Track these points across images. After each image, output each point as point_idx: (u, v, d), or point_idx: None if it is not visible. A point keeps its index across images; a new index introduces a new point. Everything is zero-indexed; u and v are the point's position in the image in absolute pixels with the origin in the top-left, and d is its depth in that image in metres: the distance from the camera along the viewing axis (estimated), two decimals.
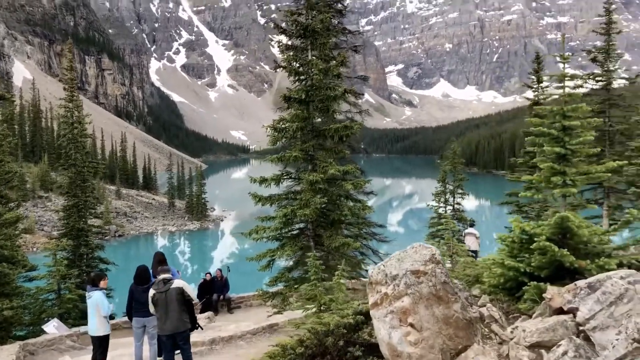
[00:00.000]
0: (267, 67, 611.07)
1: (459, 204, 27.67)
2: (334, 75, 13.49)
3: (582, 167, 6.78)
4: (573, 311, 4.19)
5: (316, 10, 13.74)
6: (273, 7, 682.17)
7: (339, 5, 15.59)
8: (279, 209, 12.85)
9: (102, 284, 9.80)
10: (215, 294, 17.82)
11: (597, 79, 19.09)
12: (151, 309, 8.57)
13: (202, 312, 16.52)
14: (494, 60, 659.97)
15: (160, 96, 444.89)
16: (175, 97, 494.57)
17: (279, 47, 13.79)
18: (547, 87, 26.17)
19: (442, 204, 27.51)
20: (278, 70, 15.65)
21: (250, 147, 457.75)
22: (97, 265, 22.89)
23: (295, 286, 13.93)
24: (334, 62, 13.46)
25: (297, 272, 14.17)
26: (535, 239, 5.43)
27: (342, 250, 12.98)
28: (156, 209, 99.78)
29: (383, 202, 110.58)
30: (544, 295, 4.67)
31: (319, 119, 13.87)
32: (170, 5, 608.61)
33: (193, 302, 8.71)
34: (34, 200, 76.71)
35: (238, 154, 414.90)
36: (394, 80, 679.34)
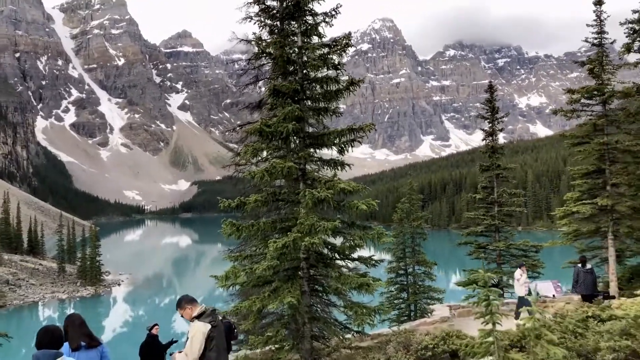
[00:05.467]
0: (163, 126, 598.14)
1: (418, 245, 25.10)
2: (333, 66, 10.45)
3: None
4: None
5: None
6: (169, 66, 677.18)
7: None
8: (269, 241, 9.25)
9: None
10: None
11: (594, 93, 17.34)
12: None
13: None
14: (385, 120, 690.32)
15: (46, 156, 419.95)
16: (64, 157, 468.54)
17: (259, 26, 10.55)
18: (502, 117, 24.74)
19: (399, 247, 24.79)
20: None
21: (146, 208, 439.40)
22: None
23: (287, 347, 10.19)
24: (330, 49, 10.41)
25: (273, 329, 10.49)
26: None
27: (359, 291, 9.60)
28: (44, 275, 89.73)
29: None
30: None
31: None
32: (60, 62, 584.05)
33: None
34: None
35: (132, 214, 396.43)
36: None
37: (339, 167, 10.68)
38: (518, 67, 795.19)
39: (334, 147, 10.57)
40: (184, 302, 6.41)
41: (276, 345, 10.05)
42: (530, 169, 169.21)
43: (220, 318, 12.29)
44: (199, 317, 6.19)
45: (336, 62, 10.45)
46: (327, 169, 10.77)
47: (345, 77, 10.56)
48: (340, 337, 10.41)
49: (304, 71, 10.45)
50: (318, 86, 10.51)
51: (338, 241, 11.06)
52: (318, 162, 10.64)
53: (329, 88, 10.43)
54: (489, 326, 4.70)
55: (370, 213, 10.66)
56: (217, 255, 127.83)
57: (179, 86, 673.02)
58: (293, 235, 9.00)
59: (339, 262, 10.89)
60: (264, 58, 11.04)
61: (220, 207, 10.06)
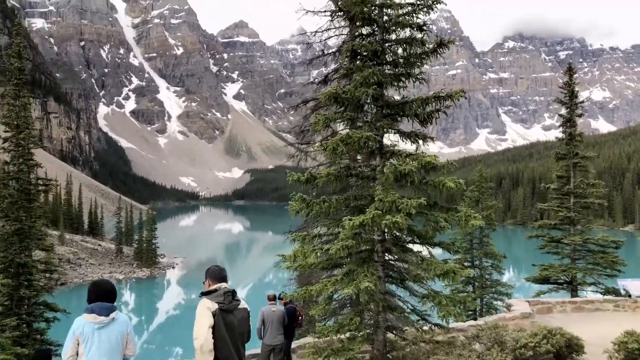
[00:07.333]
0: (218, 114, 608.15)
1: (487, 236, 23.63)
2: (417, 26, 9.31)
3: None
4: None
5: None
6: (226, 56, 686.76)
7: None
8: (344, 219, 8.26)
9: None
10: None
11: None
12: None
13: None
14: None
15: (107, 141, 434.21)
16: (124, 143, 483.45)
17: None
18: (581, 102, 22.92)
19: (467, 237, 23.41)
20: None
21: (200, 194, 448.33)
22: (42, 313, 17.31)
23: (359, 338, 9.20)
24: (415, 6, 9.24)
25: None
26: None
27: (445, 280, 8.50)
28: (102, 256, 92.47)
29: None
30: None
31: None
32: (121, 51, 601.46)
33: None
34: None
35: (187, 200, 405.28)
36: None
37: (421, 141, 9.55)
38: (580, 59, 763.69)
39: (415, 117, 9.46)
40: (208, 273, 5.52)
41: (347, 335, 9.08)
42: (592, 165, 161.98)
43: (282, 302, 11.52)
44: (207, 294, 5.32)
45: (421, 23, 9.31)
46: (406, 142, 9.68)
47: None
48: (419, 329, 9.35)
49: (384, 33, 9.37)
50: (400, 48, 9.42)
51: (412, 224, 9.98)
52: (397, 134, 9.56)
53: (412, 50, 9.32)
54: None
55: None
56: (269, 242, 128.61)
57: (234, 76, 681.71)
58: (372, 213, 7.97)
59: (417, 246, 9.83)
60: (337, 21, 10.00)
61: (288, 180, 9.14)
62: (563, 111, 23.07)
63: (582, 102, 23.21)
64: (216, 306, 5.16)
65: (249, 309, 5.53)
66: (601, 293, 21.78)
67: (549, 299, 17.73)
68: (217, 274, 5.46)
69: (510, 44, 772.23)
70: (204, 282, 5.52)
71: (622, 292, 17.69)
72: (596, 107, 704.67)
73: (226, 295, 5.28)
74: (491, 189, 25.52)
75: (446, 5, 9.23)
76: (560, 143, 23.37)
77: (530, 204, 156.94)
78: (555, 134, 24.71)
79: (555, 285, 22.92)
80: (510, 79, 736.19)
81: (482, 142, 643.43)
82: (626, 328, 10.14)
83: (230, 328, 5.19)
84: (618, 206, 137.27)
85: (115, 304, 5.05)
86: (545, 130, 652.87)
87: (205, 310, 5.14)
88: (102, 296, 4.93)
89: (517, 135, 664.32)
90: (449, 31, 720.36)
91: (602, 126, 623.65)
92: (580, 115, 23.04)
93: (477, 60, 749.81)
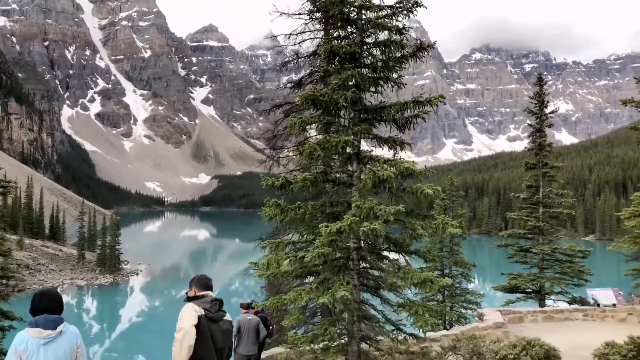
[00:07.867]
0: (186, 119, 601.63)
1: (457, 245, 23.65)
2: (396, 30, 9.11)
3: None
4: None
5: None
6: (194, 60, 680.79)
7: None
8: (320, 226, 7.96)
9: None
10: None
11: None
12: None
13: None
14: None
15: (71, 144, 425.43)
16: (88, 146, 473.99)
17: None
18: (551, 113, 23.19)
19: (436, 245, 23.36)
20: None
21: (166, 199, 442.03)
22: None
23: (333, 349, 8.89)
24: (395, 9, 9.03)
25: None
26: None
27: (422, 289, 8.25)
28: (63, 261, 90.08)
29: None
30: None
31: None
32: (87, 52, 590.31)
33: None
34: None
35: (152, 206, 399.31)
36: None
37: (399, 147, 9.35)
38: (545, 72, 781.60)
39: (394, 123, 9.25)
40: (194, 282, 5.29)
41: (320, 345, 8.77)
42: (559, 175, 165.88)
43: (253, 312, 11.17)
44: (194, 299, 5.12)
45: (400, 26, 9.12)
46: (384, 148, 9.46)
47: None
48: (395, 340, 9.09)
49: (362, 35, 9.15)
50: (378, 51, 9.21)
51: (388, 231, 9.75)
52: (375, 140, 9.33)
53: (391, 54, 9.12)
54: None
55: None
56: (236, 249, 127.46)
57: (203, 80, 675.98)
58: (349, 219, 7.70)
59: (393, 254, 9.60)
60: (311, 24, 9.74)
61: (262, 185, 8.80)
62: (530, 121, 23.33)
63: (553, 112, 23.49)
64: (202, 312, 4.95)
65: (233, 323, 5.33)
66: (567, 302, 21.98)
67: (520, 308, 17.80)
68: (203, 282, 5.29)
69: (478, 55, 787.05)
70: (187, 292, 5.29)
71: (591, 301, 17.86)
72: (559, 120, 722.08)
73: (213, 303, 5.09)
74: (461, 197, 25.63)
75: (426, 8, 9.05)
76: (529, 153, 23.59)
77: (495, 214, 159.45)
78: (520, 145, 25.01)
79: (523, 295, 23.06)
80: (477, 90, 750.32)
81: (448, 152, 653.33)
82: (596, 337, 10.12)
83: (213, 338, 4.96)
84: (580, 216, 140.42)
85: (62, 315, 4.65)
86: (510, 141, 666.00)
87: (192, 311, 4.92)
88: (48, 308, 4.52)
89: (483, 145, 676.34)
90: (417, 41, 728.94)
91: (565, 138, 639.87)
92: (550, 126, 23.32)
93: (445, 70, 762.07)
